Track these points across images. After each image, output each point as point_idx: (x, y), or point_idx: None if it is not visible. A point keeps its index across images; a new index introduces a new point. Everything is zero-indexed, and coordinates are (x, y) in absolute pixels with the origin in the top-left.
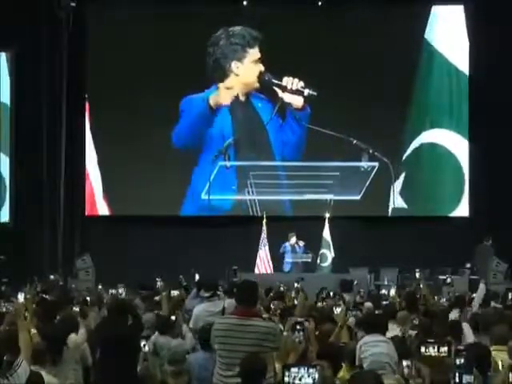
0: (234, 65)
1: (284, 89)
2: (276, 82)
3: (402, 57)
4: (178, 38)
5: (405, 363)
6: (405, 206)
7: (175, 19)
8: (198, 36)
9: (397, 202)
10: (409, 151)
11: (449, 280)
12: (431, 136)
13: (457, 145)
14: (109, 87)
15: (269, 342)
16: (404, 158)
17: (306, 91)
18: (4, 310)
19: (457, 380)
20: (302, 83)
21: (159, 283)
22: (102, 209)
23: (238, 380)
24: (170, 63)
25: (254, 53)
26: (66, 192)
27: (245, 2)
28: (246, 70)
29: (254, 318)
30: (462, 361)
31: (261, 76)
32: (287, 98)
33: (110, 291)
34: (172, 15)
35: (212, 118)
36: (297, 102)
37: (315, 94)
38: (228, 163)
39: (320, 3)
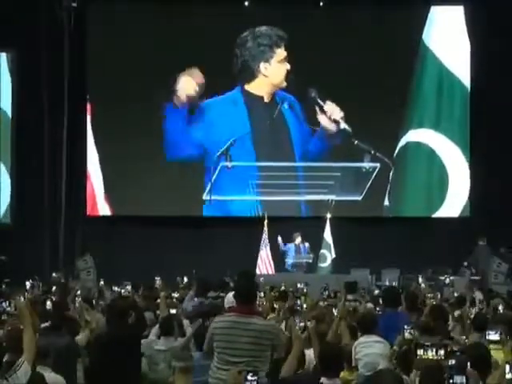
0: (263, 65)
1: (323, 112)
2: (320, 102)
3: (401, 57)
4: (179, 38)
5: None
6: (389, 206)
7: (176, 19)
8: (199, 36)
9: (386, 202)
10: (396, 151)
11: (447, 281)
12: (417, 135)
13: (443, 145)
14: (110, 87)
15: (266, 339)
16: (393, 157)
17: (342, 125)
18: (1, 309)
19: (450, 381)
20: (342, 114)
21: (158, 282)
22: (103, 209)
23: None
24: (171, 63)
25: (281, 52)
26: (67, 192)
27: (246, 3)
28: (273, 71)
29: (253, 316)
30: (454, 362)
31: (289, 79)
32: (323, 120)
33: (115, 288)
34: (173, 15)
35: (228, 118)
36: (330, 127)
37: (350, 130)
38: (229, 164)
39: (321, 4)
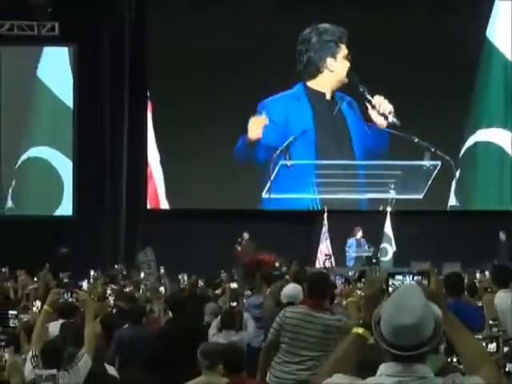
0: (329, 61)
1: (373, 107)
2: (368, 97)
3: (464, 54)
4: (240, 36)
5: None
6: (457, 204)
7: (237, 18)
8: (260, 33)
9: (452, 200)
10: (463, 150)
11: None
12: (486, 135)
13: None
14: (171, 85)
15: (331, 333)
16: (460, 156)
17: (390, 118)
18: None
19: (505, 369)
20: (390, 107)
21: (223, 275)
22: (164, 203)
23: (303, 373)
24: (233, 60)
25: (344, 48)
26: (128, 186)
27: None
28: (338, 66)
29: (321, 310)
30: (507, 349)
31: (350, 76)
32: (374, 115)
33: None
34: (234, 14)
35: (291, 115)
36: (381, 121)
37: (398, 122)
38: (289, 162)
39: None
